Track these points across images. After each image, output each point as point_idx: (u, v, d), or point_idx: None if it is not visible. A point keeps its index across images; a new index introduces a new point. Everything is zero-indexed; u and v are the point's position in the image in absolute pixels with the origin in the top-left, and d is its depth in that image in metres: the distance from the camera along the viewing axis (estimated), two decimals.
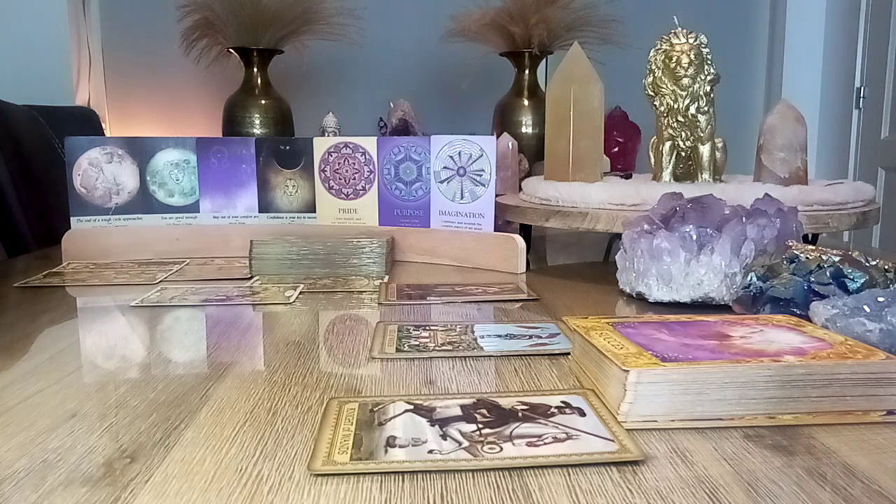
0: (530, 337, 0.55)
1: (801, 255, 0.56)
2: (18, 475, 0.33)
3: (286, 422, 0.39)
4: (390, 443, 0.35)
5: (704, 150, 0.87)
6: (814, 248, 0.57)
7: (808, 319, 0.49)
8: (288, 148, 0.97)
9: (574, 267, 0.95)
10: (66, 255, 0.92)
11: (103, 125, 1.80)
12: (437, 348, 0.52)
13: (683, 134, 0.87)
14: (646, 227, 0.66)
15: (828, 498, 0.30)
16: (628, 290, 0.68)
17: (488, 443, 0.35)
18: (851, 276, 0.53)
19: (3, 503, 0.30)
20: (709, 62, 0.84)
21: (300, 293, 0.73)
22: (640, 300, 0.67)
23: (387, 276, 0.81)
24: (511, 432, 0.36)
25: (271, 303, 0.69)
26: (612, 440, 0.35)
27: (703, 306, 0.63)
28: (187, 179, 0.97)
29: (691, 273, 0.63)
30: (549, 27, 1.66)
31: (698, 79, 0.84)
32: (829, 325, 0.47)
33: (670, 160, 0.89)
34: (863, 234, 2.17)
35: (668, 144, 0.88)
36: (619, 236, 0.71)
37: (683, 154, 0.89)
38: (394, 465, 0.33)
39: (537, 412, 0.39)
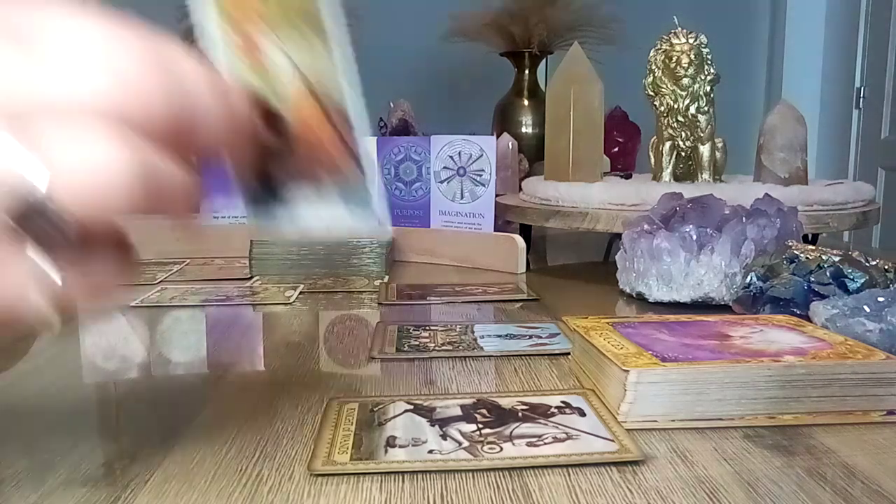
0: (530, 337, 0.55)
1: (801, 255, 0.56)
2: (18, 475, 0.33)
3: (286, 422, 0.39)
4: (390, 443, 0.35)
5: (704, 150, 0.87)
6: (814, 248, 0.57)
7: (808, 319, 0.49)
8: None
9: (574, 267, 0.95)
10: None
11: None
12: (437, 348, 0.52)
13: (683, 134, 0.87)
14: (646, 227, 0.66)
15: (828, 498, 0.30)
16: (628, 290, 0.68)
17: (488, 443, 0.35)
18: (851, 276, 0.53)
19: (3, 503, 0.30)
20: (709, 62, 0.84)
21: (300, 293, 0.73)
22: (640, 300, 0.67)
23: (387, 276, 0.81)
24: (511, 432, 0.36)
25: (271, 303, 0.69)
26: (612, 440, 0.35)
27: (703, 306, 0.63)
28: None
29: (691, 273, 0.63)
30: (550, 27, 1.66)
31: (698, 79, 0.84)
32: (829, 325, 0.47)
33: (670, 160, 0.89)
34: (863, 234, 2.17)
35: (668, 144, 0.88)
36: (619, 236, 0.71)
37: (683, 154, 0.89)
38: (394, 465, 0.33)
39: (537, 412, 0.39)
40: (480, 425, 0.37)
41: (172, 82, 0.24)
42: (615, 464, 0.33)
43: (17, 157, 0.21)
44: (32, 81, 0.22)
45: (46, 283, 0.22)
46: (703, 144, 0.87)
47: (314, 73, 0.34)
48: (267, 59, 0.33)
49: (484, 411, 0.39)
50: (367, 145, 0.36)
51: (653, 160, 0.92)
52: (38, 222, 0.22)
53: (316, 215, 0.34)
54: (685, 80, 0.84)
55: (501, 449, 0.34)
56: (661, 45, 0.85)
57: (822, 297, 0.52)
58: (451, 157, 0.89)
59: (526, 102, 1.76)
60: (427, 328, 0.58)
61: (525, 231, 0.91)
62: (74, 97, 0.23)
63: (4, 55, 0.22)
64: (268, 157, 0.32)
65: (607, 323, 0.47)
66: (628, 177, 1.05)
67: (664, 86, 0.85)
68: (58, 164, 0.22)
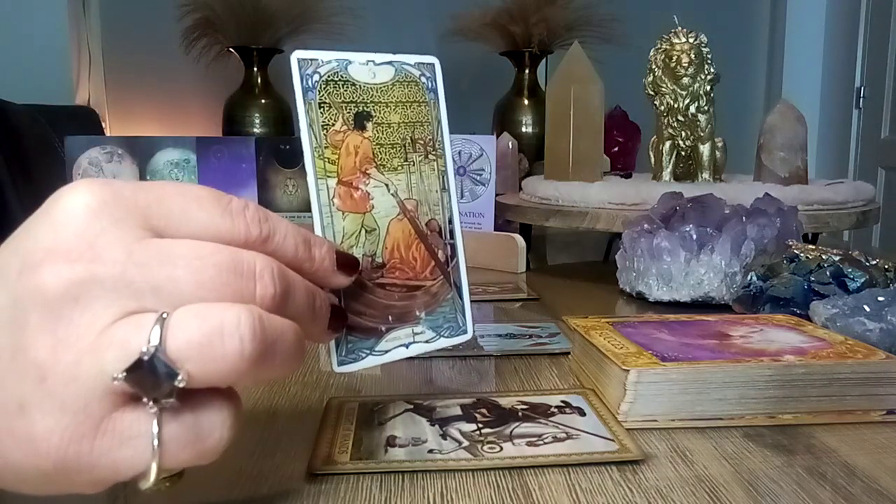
0: (530, 336, 0.55)
1: (801, 254, 0.56)
2: None
3: (286, 422, 0.39)
4: (390, 442, 0.35)
5: (704, 149, 0.87)
6: (814, 247, 0.57)
7: (808, 319, 0.49)
8: (288, 147, 0.97)
9: (574, 267, 0.95)
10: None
11: (103, 125, 1.80)
12: None
13: (683, 133, 0.87)
14: (646, 226, 0.66)
15: (828, 497, 0.30)
16: (628, 290, 0.68)
17: (488, 442, 0.35)
18: (851, 276, 0.53)
19: (3, 503, 0.30)
20: (709, 61, 0.84)
21: None
22: (640, 300, 0.67)
23: None
24: (511, 432, 0.36)
25: None
26: (612, 440, 0.35)
27: (703, 306, 0.63)
28: (187, 179, 0.97)
29: (691, 272, 0.63)
30: (549, 26, 1.66)
31: (698, 78, 0.84)
32: (829, 325, 0.47)
33: (670, 159, 0.89)
34: (863, 233, 2.17)
35: (668, 144, 0.88)
36: (619, 236, 0.71)
37: (683, 153, 0.89)
38: (394, 464, 0.33)
39: (537, 412, 0.39)
40: (480, 425, 0.37)
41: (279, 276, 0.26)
42: (615, 463, 0.33)
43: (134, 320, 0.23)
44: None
45: (152, 444, 0.23)
46: (703, 144, 0.87)
47: (414, 192, 0.36)
48: (363, 198, 0.34)
49: (484, 411, 0.39)
50: (461, 248, 0.37)
51: (653, 160, 0.92)
52: (150, 379, 0.23)
53: (404, 351, 0.35)
54: (685, 80, 0.83)
55: (501, 448, 0.34)
56: (662, 44, 0.85)
57: (822, 296, 0.52)
58: None
59: (526, 102, 1.76)
60: None
61: (525, 230, 0.91)
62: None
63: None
64: (352, 305, 0.33)
65: (607, 322, 0.47)
66: (628, 176, 1.05)
67: (664, 85, 0.85)
68: (175, 323, 0.23)
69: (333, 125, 0.33)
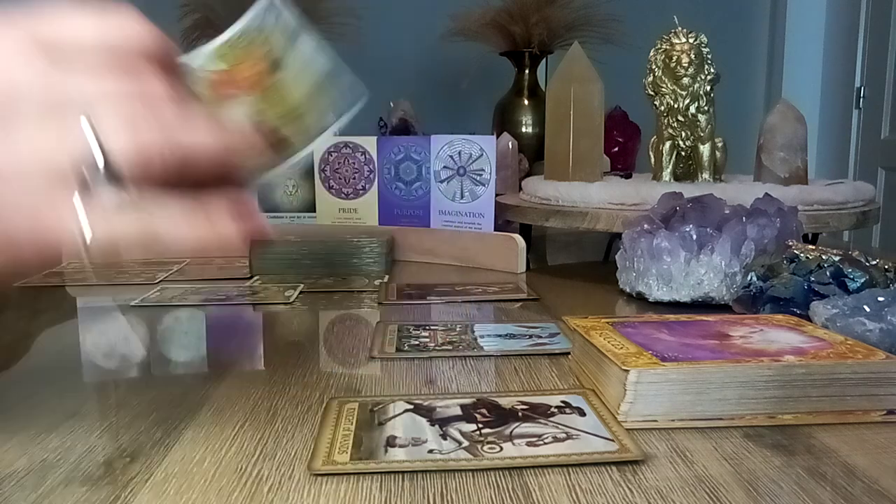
0: (530, 336, 0.55)
1: (801, 254, 0.56)
2: (18, 475, 0.33)
3: (286, 422, 0.39)
4: (390, 442, 0.35)
5: (704, 149, 0.87)
6: (814, 247, 0.57)
7: (808, 319, 0.49)
8: None
9: (574, 267, 0.95)
10: (66, 254, 0.92)
11: None
12: (437, 348, 0.52)
13: (683, 133, 0.87)
14: (646, 226, 0.66)
15: (828, 497, 0.30)
16: (628, 290, 0.68)
17: (488, 442, 0.35)
18: (851, 276, 0.53)
19: (4, 503, 0.30)
20: (709, 62, 0.84)
21: (300, 293, 0.73)
22: (640, 300, 0.67)
23: (387, 276, 0.81)
24: (511, 432, 0.36)
25: (271, 302, 0.69)
26: (612, 440, 0.35)
27: (703, 306, 0.63)
28: None
29: (691, 273, 0.63)
30: (550, 27, 1.66)
31: (698, 78, 0.84)
32: (829, 325, 0.47)
33: (670, 160, 0.89)
34: (863, 233, 2.17)
35: (668, 144, 0.88)
36: (619, 236, 0.71)
37: (683, 154, 0.89)
38: (394, 464, 0.33)
39: (537, 412, 0.39)
40: (480, 425, 0.37)
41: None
42: (615, 463, 0.33)
43: (88, 134, 0.30)
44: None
45: (80, 226, 0.32)
46: (703, 144, 0.87)
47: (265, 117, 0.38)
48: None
49: (484, 411, 0.39)
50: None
51: (653, 160, 0.92)
52: (98, 176, 0.31)
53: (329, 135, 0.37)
54: (685, 80, 0.84)
55: (501, 448, 0.34)
56: (661, 44, 0.85)
57: (822, 296, 0.52)
58: (451, 156, 0.89)
59: (526, 102, 1.76)
60: (427, 328, 0.58)
61: (525, 231, 0.91)
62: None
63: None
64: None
65: (607, 323, 0.47)
66: (628, 176, 1.05)
67: (664, 85, 0.85)
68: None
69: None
